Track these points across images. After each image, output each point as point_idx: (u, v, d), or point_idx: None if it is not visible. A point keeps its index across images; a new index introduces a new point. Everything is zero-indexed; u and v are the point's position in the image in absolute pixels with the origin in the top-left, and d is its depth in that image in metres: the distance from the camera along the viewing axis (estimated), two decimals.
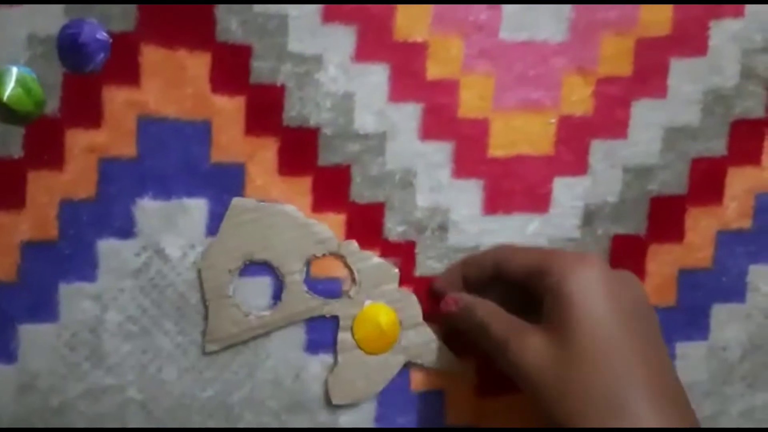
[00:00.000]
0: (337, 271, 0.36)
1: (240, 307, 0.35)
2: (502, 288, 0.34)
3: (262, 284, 0.36)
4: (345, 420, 0.37)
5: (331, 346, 0.36)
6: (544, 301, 0.31)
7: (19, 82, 0.33)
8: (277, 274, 0.35)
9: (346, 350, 0.36)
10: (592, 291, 0.30)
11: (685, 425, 0.28)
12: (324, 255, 0.35)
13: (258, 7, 0.34)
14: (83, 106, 0.34)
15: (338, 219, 0.36)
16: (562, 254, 0.32)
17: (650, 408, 0.28)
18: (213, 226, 0.35)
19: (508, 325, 0.32)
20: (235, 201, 0.35)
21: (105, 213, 0.34)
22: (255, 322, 0.35)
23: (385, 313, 0.36)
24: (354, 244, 0.36)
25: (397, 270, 0.36)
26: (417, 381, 0.37)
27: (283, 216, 0.35)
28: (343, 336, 0.36)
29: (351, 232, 0.36)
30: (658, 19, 0.36)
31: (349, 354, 0.36)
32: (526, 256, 0.33)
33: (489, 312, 0.33)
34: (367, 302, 0.36)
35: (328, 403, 0.37)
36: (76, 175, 0.34)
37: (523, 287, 0.33)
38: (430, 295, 0.37)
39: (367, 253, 0.36)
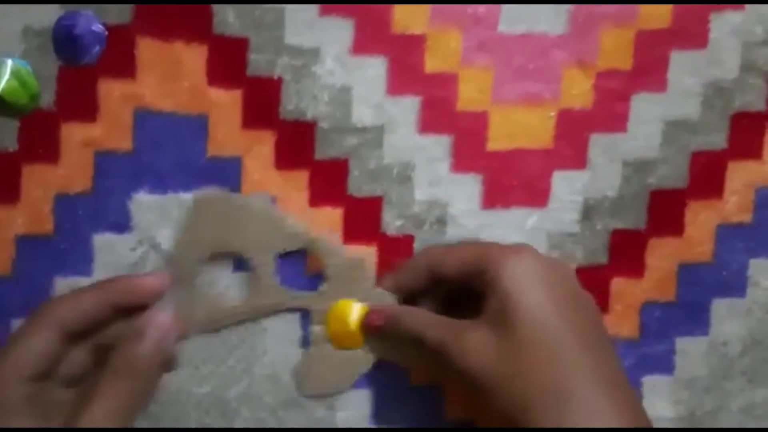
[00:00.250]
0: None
1: (208, 298, 0.35)
2: (439, 293, 0.34)
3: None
4: (342, 416, 0.37)
5: None
6: (485, 297, 0.31)
7: (14, 74, 0.32)
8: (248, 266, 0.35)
9: (318, 343, 0.36)
10: (528, 281, 0.30)
11: (629, 408, 0.28)
12: (296, 249, 0.35)
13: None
14: (79, 99, 0.33)
15: (336, 213, 0.35)
16: (495, 248, 0.32)
17: (595, 392, 0.28)
18: None
19: (443, 327, 0.31)
20: (196, 196, 0.34)
21: (100, 207, 0.34)
22: (223, 312, 0.35)
23: (355, 311, 0.35)
24: (328, 239, 0.35)
25: (370, 267, 0.36)
26: (415, 376, 0.37)
27: (250, 210, 0.34)
28: (316, 329, 0.36)
29: (348, 226, 0.36)
30: (658, 12, 0.36)
31: (320, 347, 0.36)
32: (459, 255, 0.32)
33: (419, 318, 0.33)
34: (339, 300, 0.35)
35: (326, 398, 0.36)
36: (71, 169, 0.34)
37: (461, 288, 0.32)
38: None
39: (342, 248, 0.35)
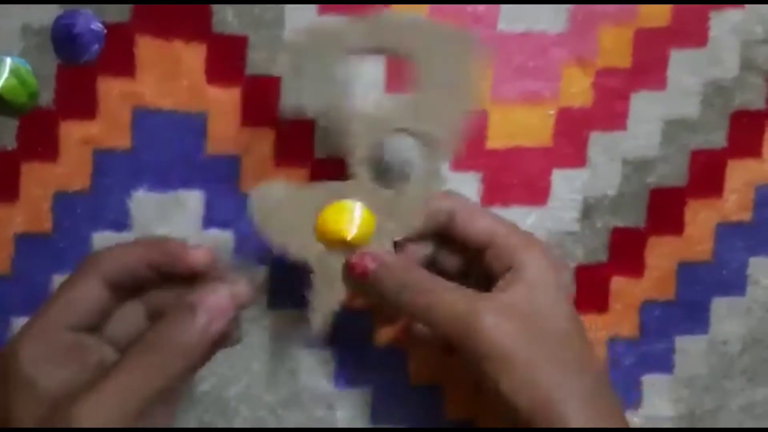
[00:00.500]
0: None
1: None
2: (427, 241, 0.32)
3: None
4: (341, 415, 0.37)
5: (328, 340, 0.36)
6: (503, 277, 0.30)
7: (13, 73, 0.32)
8: None
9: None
10: (551, 275, 0.30)
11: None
12: None
13: None
14: (78, 97, 0.33)
15: None
16: (516, 233, 0.31)
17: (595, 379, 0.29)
18: (208, 218, 0.35)
19: (462, 291, 0.29)
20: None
21: (100, 205, 0.34)
22: None
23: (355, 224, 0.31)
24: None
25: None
26: (416, 375, 0.37)
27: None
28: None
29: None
30: (658, 11, 0.36)
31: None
32: (485, 223, 0.31)
33: (428, 275, 0.30)
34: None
35: (325, 398, 0.36)
36: (70, 167, 0.34)
37: (459, 249, 0.32)
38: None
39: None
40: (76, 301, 0.28)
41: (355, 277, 0.30)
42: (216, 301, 0.27)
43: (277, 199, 0.30)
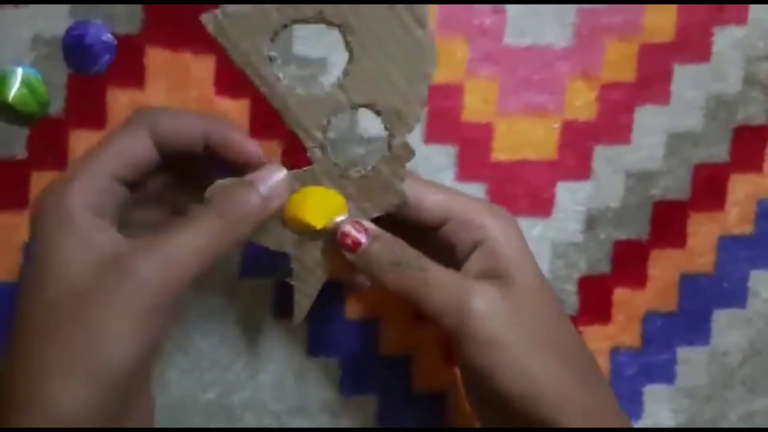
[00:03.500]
0: None
1: None
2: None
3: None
4: (346, 422, 0.37)
5: (333, 349, 0.37)
6: (474, 255, 0.29)
7: (24, 82, 0.33)
8: None
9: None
10: (524, 248, 0.29)
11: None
12: None
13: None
14: (88, 107, 0.34)
15: None
16: (479, 204, 0.30)
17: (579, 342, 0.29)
18: None
19: (453, 273, 0.29)
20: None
21: None
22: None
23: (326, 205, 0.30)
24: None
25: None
26: (420, 383, 0.37)
27: None
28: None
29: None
30: (662, 26, 0.36)
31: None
32: (437, 197, 0.30)
33: (419, 254, 0.29)
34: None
35: (330, 405, 0.37)
36: None
37: (412, 226, 0.30)
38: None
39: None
40: (126, 152, 0.27)
41: (345, 248, 0.29)
42: (276, 180, 0.28)
43: None
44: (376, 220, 0.30)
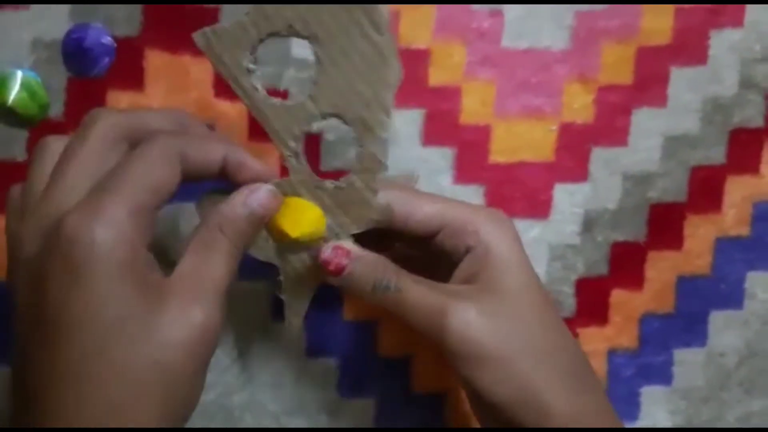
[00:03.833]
0: None
1: None
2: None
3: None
4: (345, 423, 0.37)
5: (332, 350, 0.37)
6: (466, 260, 0.29)
7: (24, 85, 0.33)
8: None
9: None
10: (517, 250, 0.29)
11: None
12: None
13: None
14: (87, 110, 0.33)
15: None
16: (473, 209, 0.30)
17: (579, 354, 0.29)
18: None
19: (434, 289, 0.29)
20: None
21: None
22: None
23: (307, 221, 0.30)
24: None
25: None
26: (418, 384, 0.38)
27: None
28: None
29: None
30: (659, 28, 0.36)
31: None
32: (431, 208, 0.30)
33: (399, 272, 0.29)
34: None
35: (329, 406, 0.37)
36: None
37: (411, 240, 0.30)
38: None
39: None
40: (164, 183, 0.26)
41: (329, 273, 0.29)
42: (264, 192, 0.28)
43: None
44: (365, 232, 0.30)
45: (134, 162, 0.26)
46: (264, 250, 0.30)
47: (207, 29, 0.28)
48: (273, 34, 0.28)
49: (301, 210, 0.29)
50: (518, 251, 0.29)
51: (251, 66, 0.28)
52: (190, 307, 0.25)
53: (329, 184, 0.29)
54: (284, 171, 0.30)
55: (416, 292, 0.28)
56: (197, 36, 0.28)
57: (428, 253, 0.31)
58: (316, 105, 0.28)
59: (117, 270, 0.24)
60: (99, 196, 0.25)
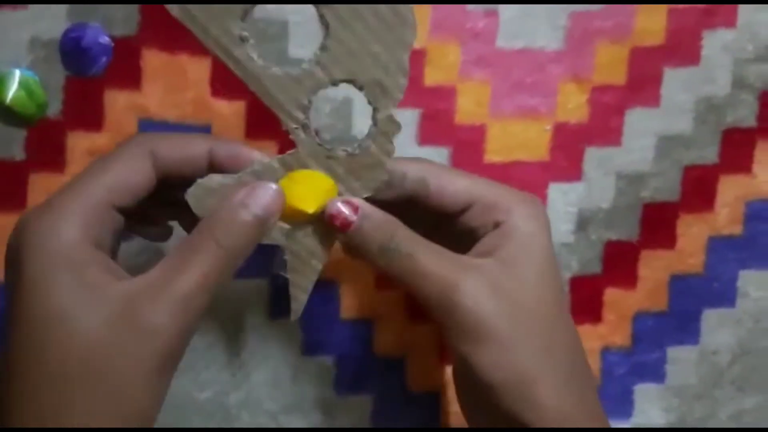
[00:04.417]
0: None
1: None
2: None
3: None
4: (342, 422, 0.37)
5: (329, 348, 0.37)
6: (490, 234, 0.28)
7: (22, 84, 0.33)
8: None
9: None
10: (544, 236, 0.29)
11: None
12: None
13: (259, 13, 0.34)
14: (85, 109, 0.34)
15: None
16: (509, 190, 0.29)
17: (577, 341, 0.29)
18: None
19: (446, 259, 0.27)
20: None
21: None
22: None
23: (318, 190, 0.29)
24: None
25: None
26: (415, 383, 0.38)
27: None
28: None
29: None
30: (653, 29, 0.36)
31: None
32: (464, 183, 0.29)
33: (411, 236, 0.28)
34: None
35: (326, 404, 0.37)
36: None
37: (434, 213, 0.29)
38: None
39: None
40: (128, 179, 0.26)
41: (334, 228, 0.28)
42: (269, 197, 0.27)
43: (221, 193, 0.27)
44: (378, 203, 0.29)
45: (96, 161, 0.26)
46: (269, 234, 0.28)
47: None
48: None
49: (312, 182, 0.28)
50: (545, 237, 0.28)
51: (244, 34, 0.26)
52: (133, 313, 0.23)
53: (341, 152, 0.28)
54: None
55: (428, 260, 0.27)
56: (173, 7, 0.26)
57: (448, 232, 0.29)
58: (325, 71, 0.27)
59: (51, 263, 0.23)
60: (56, 193, 0.25)
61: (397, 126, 0.28)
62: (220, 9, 0.26)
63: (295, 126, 0.28)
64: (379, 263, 0.28)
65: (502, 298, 0.27)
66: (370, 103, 0.28)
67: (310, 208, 0.28)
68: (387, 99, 0.27)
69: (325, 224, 0.28)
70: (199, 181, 0.27)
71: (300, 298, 0.30)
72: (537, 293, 0.28)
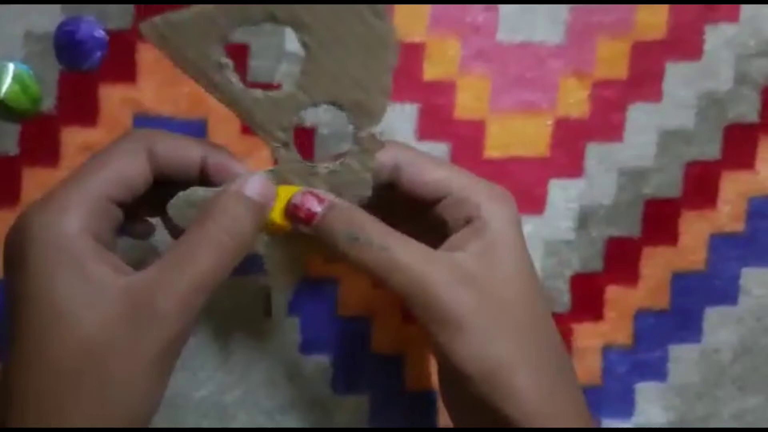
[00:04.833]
0: None
1: None
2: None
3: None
4: (339, 420, 0.37)
5: (326, 346, 0.37)
6: (462, 231, 0.28)
7: (16, 78, 0.33)
8: None
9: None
10: (514, 232, 0.28)
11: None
12: None
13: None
14: (79, 103, 0.34)
15: None
16: (477, 182, 0.29)
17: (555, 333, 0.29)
18: None
19: (421, 251, 0.27)
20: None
21: None
22: None
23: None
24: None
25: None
26: (412, 382, 0.37)
27: None
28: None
29: None
30: (654, 23, 0.36)
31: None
32: (440, 173, 0.29)
33: (385, 229, 0.27)
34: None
35: (323, 403, 0.37)
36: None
37: (404, 200, 0.29)
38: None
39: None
40: (126, 173, 0.26)
41: (299, 221, 0.27)
42: (261, 181, 0.27)
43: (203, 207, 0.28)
44: None
45: (95, 155, 0.26)
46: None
47: (157, 19, 0.25)
48: (246, 23, 0.26)
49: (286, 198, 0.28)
50: (515, 233, 0.29)
51: (223, 60, 0.26)
52: (136, 305, 0.24)
53: (323, 168, 0.29)
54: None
55: (402, 253, 0.27)
56: (145, 27, 0.25)
57: (420, 223, 0.29)
58: (307, 94, 0.27)
59: (54, 255, 0.24)
60: (56, 187, 0.25)
61: (380, 144, 0.28)
62: (198, 33, 0.26)
63: (276, 145, 0.28)
64: (349, 255, 0.27)
65: (477, 289, 0.27)
66: (351, 123, 0.28)
67: (289, 224, 0.28)
68: (368, 119, 0.28)
69: (303, 235, 0.28)
70: (181, 193, 0.28)
71: (281, 303, 0.31)
72: (510, 286, 0.28)
